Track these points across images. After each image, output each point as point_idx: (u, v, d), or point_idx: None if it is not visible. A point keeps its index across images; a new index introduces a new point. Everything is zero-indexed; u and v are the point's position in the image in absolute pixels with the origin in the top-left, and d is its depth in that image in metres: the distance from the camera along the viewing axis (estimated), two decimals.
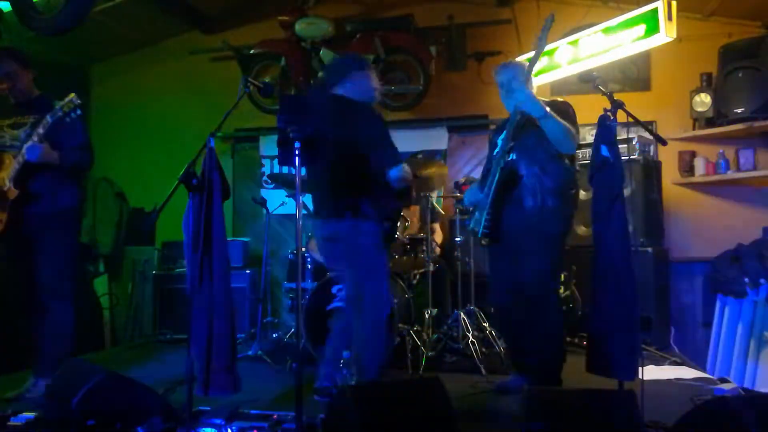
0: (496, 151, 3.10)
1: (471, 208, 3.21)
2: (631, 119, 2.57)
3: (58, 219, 3.19)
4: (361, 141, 2.85)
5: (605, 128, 2.60)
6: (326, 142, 2.87)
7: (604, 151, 2.58)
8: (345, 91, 2.98)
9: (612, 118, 2.56)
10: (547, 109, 2.81)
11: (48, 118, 2.98)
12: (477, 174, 5.19)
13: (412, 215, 4.37)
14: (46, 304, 3.18)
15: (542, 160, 2.91)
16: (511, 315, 3.09)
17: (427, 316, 3.89)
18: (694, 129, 4.68)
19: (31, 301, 3.20)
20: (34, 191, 3.12)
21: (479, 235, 3.04)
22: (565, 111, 2.95)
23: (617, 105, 2.56)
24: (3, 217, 3.10)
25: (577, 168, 3.06)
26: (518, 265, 2.95)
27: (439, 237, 4.70)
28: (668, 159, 4.67)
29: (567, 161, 2.97)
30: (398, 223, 3.46)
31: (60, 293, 3.19)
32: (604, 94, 2.65)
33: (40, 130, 3.00)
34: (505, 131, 3.05)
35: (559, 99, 3.13)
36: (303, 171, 2.74)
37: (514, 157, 3.00)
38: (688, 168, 4.73)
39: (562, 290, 4.10)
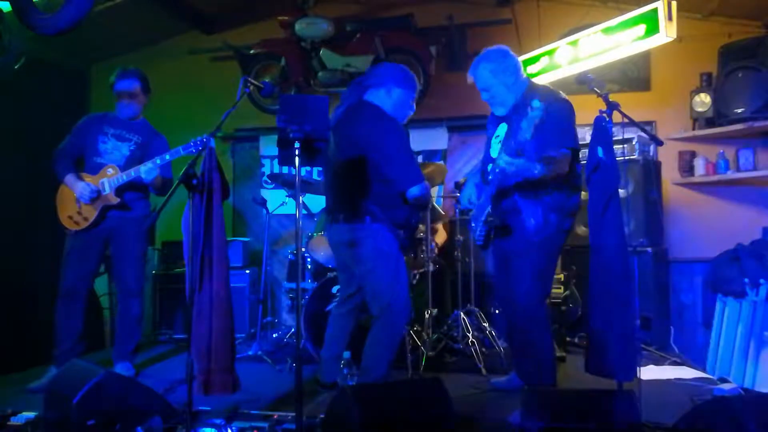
0: (493, 151, 3.03)
1: (469, 211, 3.12)
2: (626, 120, 2.57)
3: (135, 224, 3.52)
4: (386, 153, 2.82)
5: (601, 129, 2.60)
6: (348, 145, 2.88)
7: (600, 152, 2.58)
8: (378, 99, 2.95)
9: (607, 119, 2.56)
10: (537, 168, 2.64)
11: (180, 150, 3.23)
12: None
13: None
14: (124, 302, 3.59)
15: None
16: (508, 319, 3.11)
17: (427, 316, 3.89)
18: (694, 129, 4.68)
19: (79, 293, 3.49)
20: (122, 199, 3.48)
21: (477, 243, 3.04)
22: (552, 118, 2.72)
23: (612, 106, 2.56)
24: (90, 216, 3.43)
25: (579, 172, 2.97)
26: (511, 271, 2.94)
27: (441, 237, 4.70)
28: (668, 159, 4.67)
29: (572, 168, 2.87)
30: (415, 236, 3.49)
31: (136, 291, 3.59)
32: (599, 95, 2.63)
33: (167, 157, 3.32)
34: (497, 131, 2.99)
35: (559, 95, 2.93)
36: (303, 171, 2.75)
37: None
38: (688, 168, 4.73)
39: (561, 290, 4.09)
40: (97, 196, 3.39)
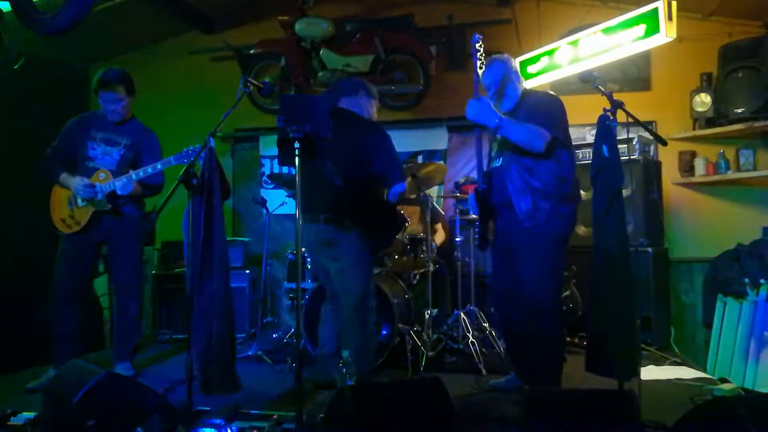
0: (492, 150, 3.13)
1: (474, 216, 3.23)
2: (630, 119, 2.57)
3: (129, 226, 3.50)
4: (368, 153, 2.95)
5: (605, 128, 2.60)
6: (331, 147, 2.90)
7: (604, 151, 2.59)
8: (349, 105, 3.12)
9: (612, 118, 2.56)
10: (501, 117, 2.80)
11: (172, 160, 3.23)
12: (476, 174, 5.18)
13: (412, 215, 4.38)
14: (121, 304, 3.56)
15: (528, 161, 2.85)
16: (510, 318, 3.08)
17: (427, 316, 3.88)
18: (694, 129, 4.68)
19: (75, 295, 3.45)
20: (114, 203, 3.44)
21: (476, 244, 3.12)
22: (540, 107, 2.89)
23: (617, 105, 2.56)
24: (83, 220, 3.39)
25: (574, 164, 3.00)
26: (516, 267, 2.92)
27: (440, 237, 4.70)
28: (668, 159, 4.67)
29: (558, 158, 2.88)
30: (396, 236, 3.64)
31: (133, 293, 3.56)
32: (603, 94, 2.64)
33: (149, 170, 3.30)
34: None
35: (550, 93, 3.10)
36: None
37: (501, 163, 2.97)
38: (688, 168, 4.73)
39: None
40: (93, 192, 3.34)
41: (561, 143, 2.87)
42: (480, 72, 2.94)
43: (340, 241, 2.97)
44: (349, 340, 2.96)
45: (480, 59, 2.91)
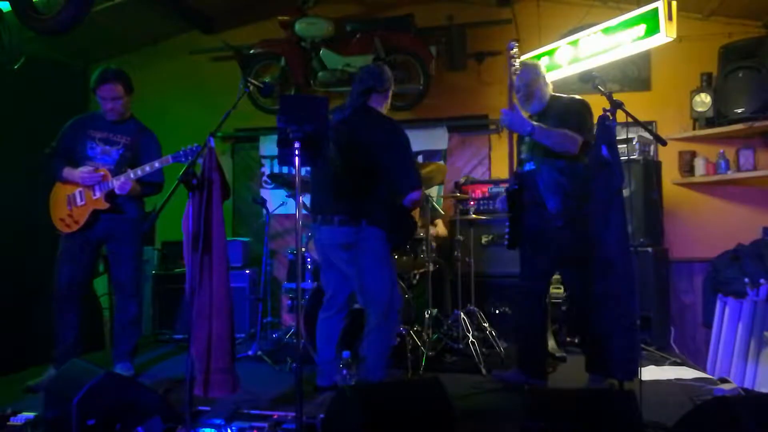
0: (526, 148, 3.18)
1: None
2: (630, 119, 2.57)
3: (129, 226, 3.50)
4: (395, 158, 2.92)
5: (604, 128, 2.60)
6: (355, 148, 2.92)
7: (604, 151, 2.59)
8: (379, 104, 3.10)
9: (611, 118, 2.57)
10: (533, 125, 2.90)
11: (170, 159, 3.26)
12: (477, 174, 5.19)
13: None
14: (121, 303, 3.58)
15: (560, 163, 2.95)
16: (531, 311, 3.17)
17: (427, 316, 3.88)
18: (694, 129, 4.68)
19: (75, 295, 3.45)
20: (113, 203, 3.44)
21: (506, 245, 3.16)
22: (570, 111, 3.01)
23: (616, 105, 2.56)
24: (81, 219, 3.39)
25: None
26: (550, 264, 3.04)
27: (441, 230, 4.68)
28: (668, 159, 4.67)
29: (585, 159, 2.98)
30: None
31: (132, 292, 3.57)
32: (603, 94, 2.65)
33: (147, 168, 3.32)
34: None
35: (577, 97, 3.15)
36: (303, 171, 2.75)
37: (533, 167, 3.06)
38: (688, 168, 4.73)
39: (561, 290, 4.09)
40: (98, 178, 3.34)
41: (590, 145, 2.94)
42: (514, 78, 3.03)
43: (359, 243, 2.90)
44: (370, 347, 2.91)
45: (514, 65, 3.00)
